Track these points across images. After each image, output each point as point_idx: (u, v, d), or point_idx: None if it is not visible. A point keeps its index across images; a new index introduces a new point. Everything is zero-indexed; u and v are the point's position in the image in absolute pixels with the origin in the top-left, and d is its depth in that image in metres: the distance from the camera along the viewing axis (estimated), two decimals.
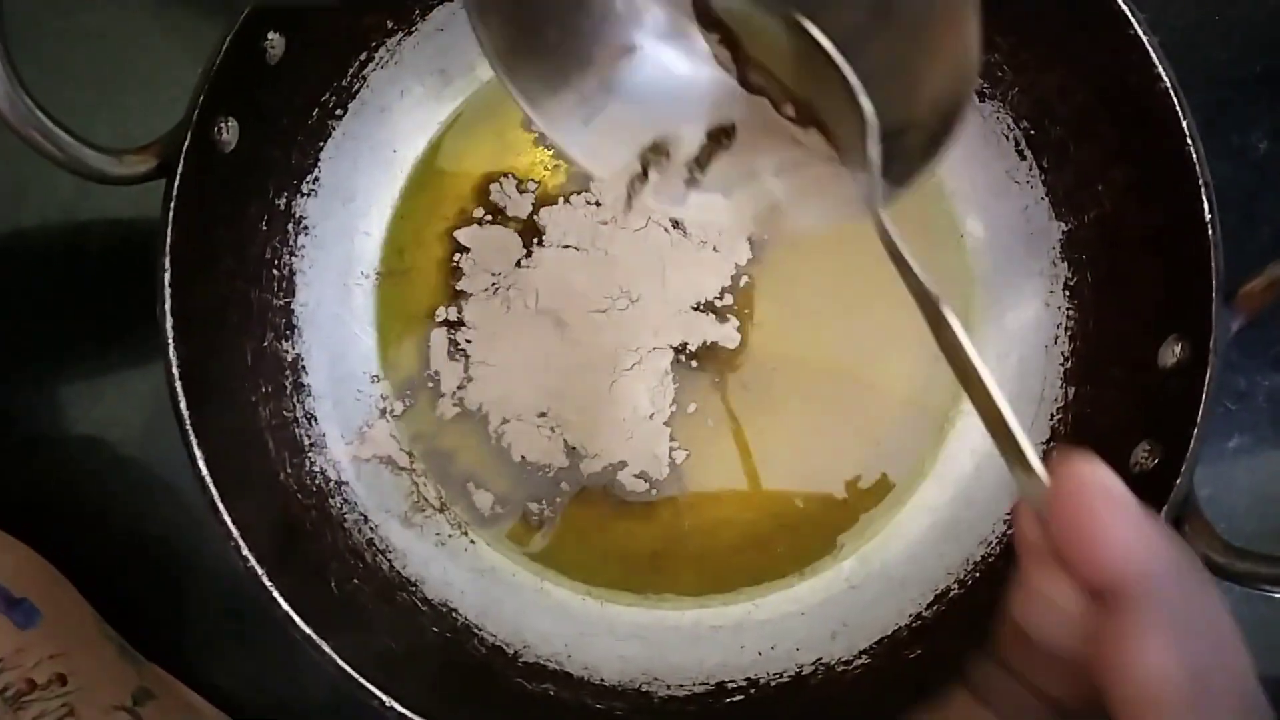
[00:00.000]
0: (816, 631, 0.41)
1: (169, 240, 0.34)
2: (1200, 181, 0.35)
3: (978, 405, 0.25)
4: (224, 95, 0.35)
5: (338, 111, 0.41)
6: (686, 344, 0.42)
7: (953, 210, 0.43)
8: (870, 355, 0.43)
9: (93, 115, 0.46)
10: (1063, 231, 0.41)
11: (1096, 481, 0.21)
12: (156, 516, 0.44)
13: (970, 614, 0.39)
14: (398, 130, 0.43)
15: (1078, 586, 0.21)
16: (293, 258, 0.41)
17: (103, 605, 0.42)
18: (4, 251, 0.47)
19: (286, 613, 0.32)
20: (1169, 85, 0.36)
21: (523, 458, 0.42)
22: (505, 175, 0.43)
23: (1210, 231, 0.35)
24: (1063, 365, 0.41)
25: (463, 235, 0.43)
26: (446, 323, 0.42)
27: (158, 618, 0.43)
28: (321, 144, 0.41)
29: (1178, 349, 0.36)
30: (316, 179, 0.41)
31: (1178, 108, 0.36)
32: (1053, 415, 0.41)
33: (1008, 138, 0.42)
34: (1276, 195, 0.47)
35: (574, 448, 0.42)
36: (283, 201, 0.40)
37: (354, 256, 0.43)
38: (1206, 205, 0.35)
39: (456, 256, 0.43)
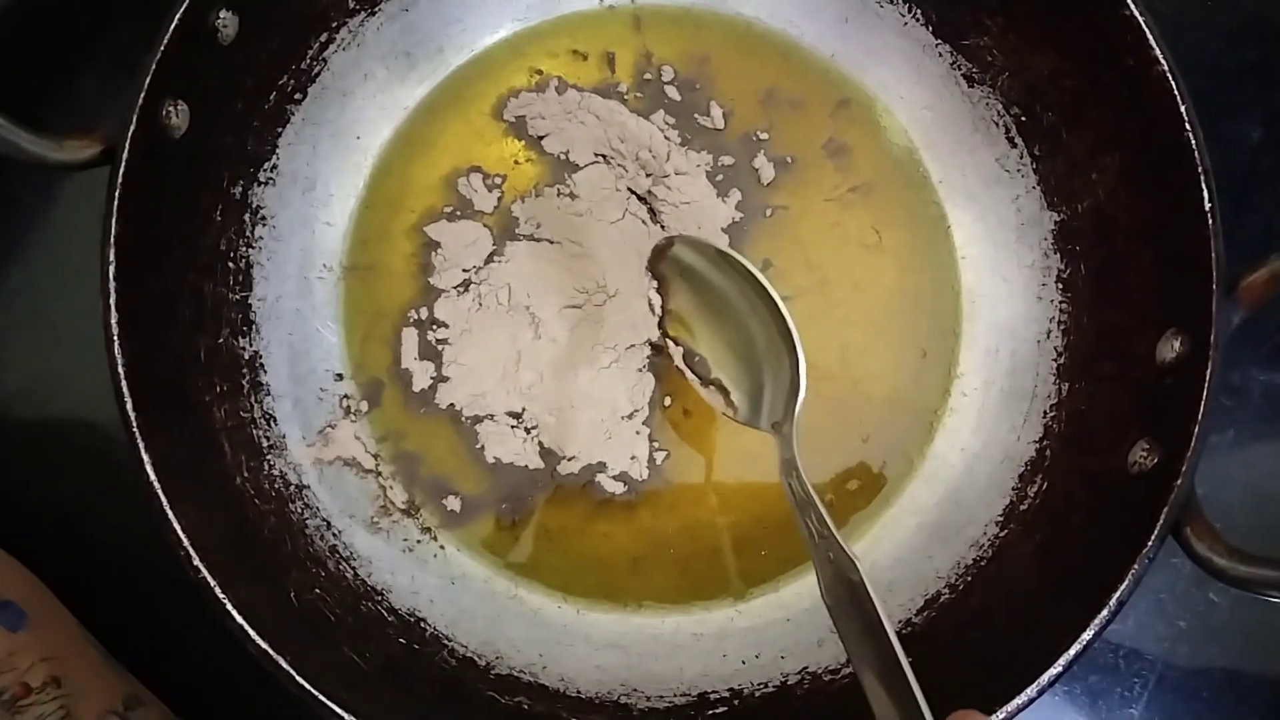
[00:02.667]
0: (803, 638, 0.39)
1: (114, 231, 0.32)
2: (1199, 169, 0.34)
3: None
4: (173, 77, 0.33)
5: (296, 95, 0.39)
6: (666, 339, 0.40)
7: (940, 199, 0.42)
8: (855, 354, 0.41)
9: (49, 99, 0.44)
10: (1055, 222, 0.40)
11: None
12: (120, 514, 0.42)
13: (961, 620, 0.38)
14: (361, 116, 0.41)
15: None
16: (249, 250, 0.39)
17: (77, 612, 0.40)
18: None
19: (241, 626, 0.31)
20: (1166, 68, 0.34)
21: (496, 459, 0.40)
22: (474, 169, 0.41)
23: (1210, 221, 0.33)
24: (1056, 360, 0.39)
25: (432, 230, 0.41)
26: (417, 320, 0.40)
27: (130, 625, 0.41)
28: (280, 130, 0.39)
29: (1176, 344, 0.34)
30: (274, 167, 0.39)
31: (1175, 91, 0.34)
32: (1045, 413, 0.39)
33: (997, 124, 0.40)
34: (1270, 185, 0.46)
35: (549, 449, 0.40)
36: (238, 190, 0.38)
37: (315, 249, 0.41)
38: (1206, 194, 0.34)
39: (427, 252, 0.41)
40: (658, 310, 0.36)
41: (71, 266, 0.43)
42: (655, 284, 0.36)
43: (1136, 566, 0.32)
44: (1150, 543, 0.32)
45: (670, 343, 0.37)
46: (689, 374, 0.37)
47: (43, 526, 0.42)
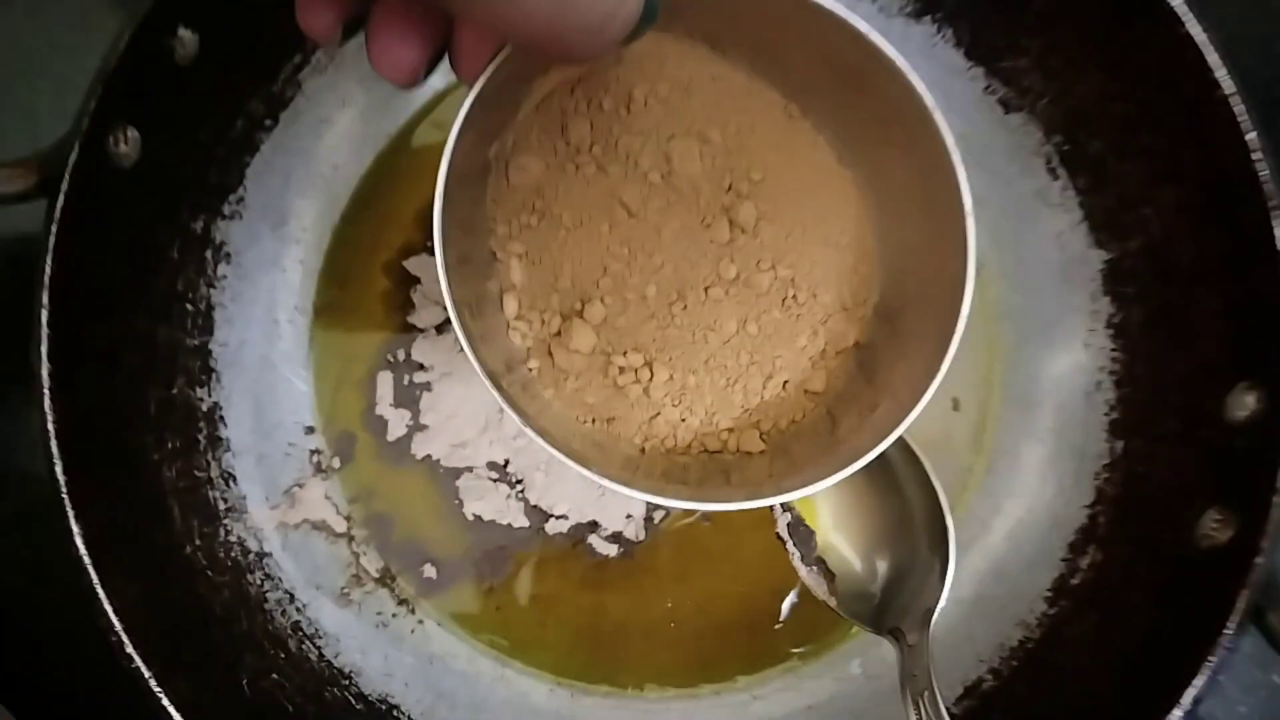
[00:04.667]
0: None
1: (49, 271, 0.28)
2: (1270, 204, 0.30)
3: None
4: (121, 101, 0.30)
5: (266, 122, 0.36)
6: None
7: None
8: None
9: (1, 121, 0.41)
10: (1104, 261, 0.36)
11: None
12: (58, 582, 0.38)
13: (1006, 710, 0.33)
14: (338, 145, 0.38)
15: None
16: (211, 290, 0.35)
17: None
18: None
19: None
20: (1229, 92, 0.31)
21: (477, 516, 0.37)
22: None
23: None
24: (1108, 415, 0.36)
25: (412, 264, 0.37)
26: (393, 363, 0.37)
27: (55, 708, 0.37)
28: (247, 159, 0.36)
29: (1250, 400, 0.31)
30: (241, 199, 0.36)
31: (1240, 118, 0.31)
32: (1097, 474, 0.35)
33: (1037, 154, 0.37)
34: None
35: (536, 506, 0.37)
36: (199, 225, 0.35)
37: (285, 289, 0.37)
38: (1277, 231, 0.30)
39: (405, 288, 0.37)
40: (781, 510, 0.32)
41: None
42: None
43: (1212, 659, 0.28)
44: (1227, 629, 0.28)
45: (778, 506, 0.32)
46: (789, 545, 0.33)
47: None
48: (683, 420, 0.29)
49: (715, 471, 0.29)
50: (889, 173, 0.28)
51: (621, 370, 0.29)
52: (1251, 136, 0.31)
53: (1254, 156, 0.31)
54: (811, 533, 0.32)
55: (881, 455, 0.26)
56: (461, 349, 0.35)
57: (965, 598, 0.36)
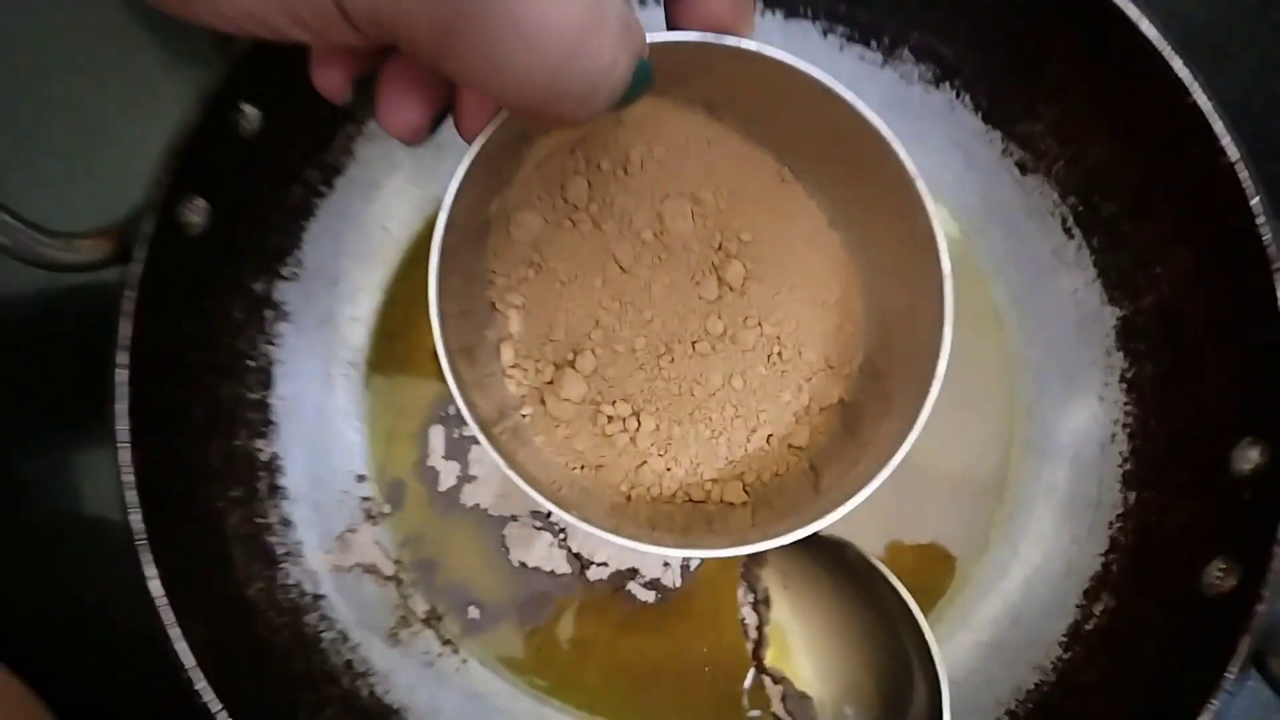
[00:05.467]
0: None
1: (126, 336, 0.31)
2: (1274, 266, 0.32)
3: None
4: (191, 174, 0.32)
5: (321, 188, 0.38)
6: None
7: (992, 293, 0.40)
8: (919, 460, 0.39)
9: (69, 187, 0.44)
10: (1117, 318, 0.37)
11: None
12: (125, 620, 0.40)
13: None
14: (389, 208, 0.40)
15: None
16: (270, 347, 0.37)
17: (62, 713, 0.38)
18: None
19: None
20: (1234, 158, 0.33)
21: (522, 563, 0.38)
22: None
23: None
24: (1121, 467, 0.37)
25: None
26: (444, 417, 0.39)
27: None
28: (304, 223, 0.38)
29: (1254, 454, 0.32)
30: (299, 261, 0.38)
31: (1245, 184, 0.32)
32: (1111, 523, 0.36)
33: (1053, 214, 0.38)
34: None
35: (578, 554, 0.38)
36: (260, 286, 0.37)
37: (339, 345, 0.39)
38: None
39: None
40: (753, 634, 0.32)
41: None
42: (751, 598, 0.33)
43: (1214, 702, 0.29)
44: (1228, 675, 0.29)
45: (768, 679, 0.32)
46: (779, 707, 0.33)
47: (39, 628, 0.40)
48: (668, 469, 0.30)
49: (699, 520, 0.30)
50: (877, 238, 0.30)
51: (610, 419, 0.30)
52: (1256, 201, 0.32)
53: (1258, 220, 0.32)
54: (809, 700, 0.32)
55: (864, 594, 0.26)
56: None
57: (984, 641, 0.37)
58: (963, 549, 0.38)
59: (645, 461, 0.30)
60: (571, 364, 0.30)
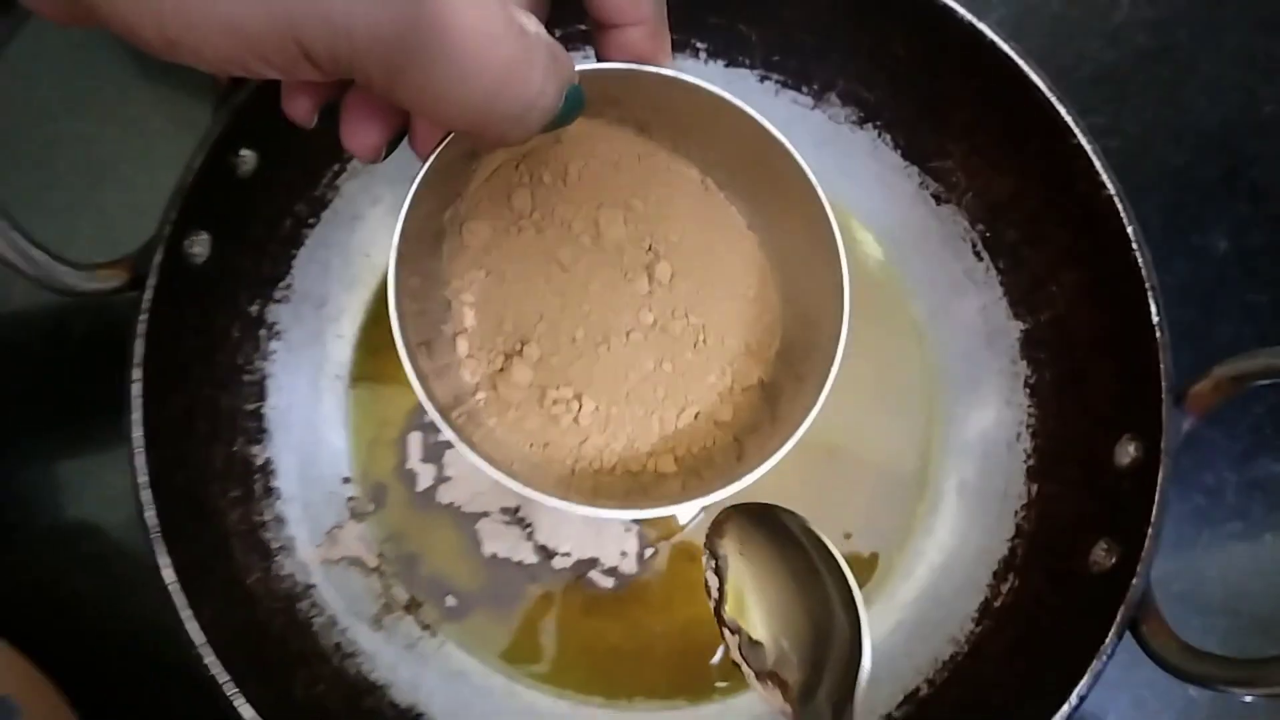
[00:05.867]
0: None
1: (140, 354, 0.35)
2: (1147, 286, 0.36)
3: None
4: (195, 212, 0.36)
5: (310, 221, 0.42)
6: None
7: (912, 309, 0.44)
8: (837, 453, 0.43)
9: (74, 217, 0.47)
10: (1021, 331, 0.42)
11: None
12: (131, 609, 0.44)
13: (940, 713, 0.39)
14: (371, 237, 0.44)
15: None
16: (264, 362, 0.41)
17: (78, 701, 0.41)
18: None
19: None
20: (1113, 192, 0.37)
21: (493, 554, 0.42)
22: None
23: (1158, 335, 0.36)
24: (1025, 462, 0.41)
25: None
26: (422, 425, 0.43)
27: (129, 714, 0.43)
28: (294, 251, 0.42)
29: (1131, 449, 0.36)
30: (289, 286, 0.42)
31: (1123, 214, 0.37)
32: (1017, 512, 0.41)
33: (964, 239, 0.43)
34: (1235, 293, 0.48)
35: (543, 545, 0.42)
36: (255, 309, 0.41)
37: (326, 360, 0.43)
38: (1154, 309, 0.36)
39: None
40: (714, 593, 0.34)
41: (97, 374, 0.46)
42: (713, 563, 0.34)
43: (1096, 663, 0.34)
44: (1108, 639, 0.34)
45: (727, 631, 0.34)
46: (744, 668, 0.34)
47: (54, 623, 0.43)
48: (608, 445, 0.33)
49: (636, 489, 0.33)
50: (789, 239, 0.33)
51: (555, 402, 0.33)
52: (1131, 229, 0.37)
53: (1133, 246, 0.37)
54: (762, 647, 0.34)
55: (805, 557, 0.30)
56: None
57: (907, 620, 0.41)
58: (887, 538, 0.43)
59: (587, 438, 0.33)
60: (519, 353, 0.33)
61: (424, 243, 0.32)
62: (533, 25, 0.24)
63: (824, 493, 0.43)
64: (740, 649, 0.33)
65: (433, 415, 0.29)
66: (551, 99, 0.25)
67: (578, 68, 0.27)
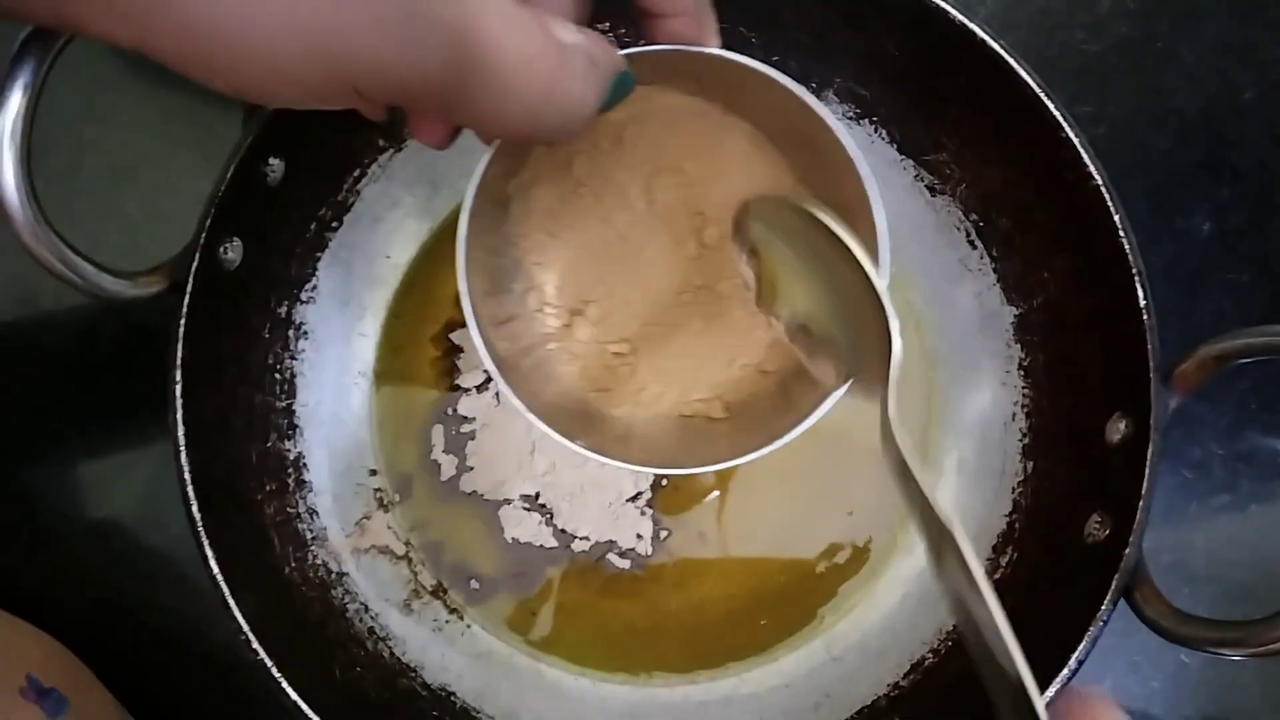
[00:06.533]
0: (800, 703, 0.43)
1: (179, 355, 0.36)
2: (1134, 271, 0.38)
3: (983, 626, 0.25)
4: (228, 219, 0.38)
5: (334, 224, 0.44)
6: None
7: (910, 296, 0.46)
8: (842, 435, 0.45)
9: (101, 225, 0.49)
10: (1014, 315, 0.44)
11: None
12: (165, 603, 0.46)
13: (945, 682, 0.41)
14: (390, 238, 0.46)
15: None
16: (294, 361, 0.43)
17: (117, 691, 0.43)
18: (18, 351, 0.49)
19: (296, 703, 0.34)
20: (1100, 182, 0.39)
21: (515, 539, 0.44)
22: None
23: (1145, 317, 0.37)
24: (1021, 441, 0.43)
25: (457, 336, 0.45)
26: (443, 416, 0.45)
27: (169, 703, 0.45)
28: (319, 254, 0.44)
29: (1121, 426, 0.38)
30: (315, 287, 0.44)
31: (1109, 202, 0.38)
32: (1014, 489, 0.43)
33: (959, 229, 0.45)
34: (1219, 275, 0.50)
35: (563, 530, 0.44)
36: (284, 310, 0.43)
37: (351, 358, 0.45)
38: (1141, 292, 0.38)
39: (451, 356, 0.45)
40: (753, 284, 0.34)
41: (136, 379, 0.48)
42: (745, 256, 0.34)
43: (1092, 629, 0.35)
44: (1103, 607, 0.36)
45: (773, 320, 0.34)
46: (796, 350, 0.34)
47: (96, 617, 0.45)
48: (662, 393, 0.36)
49: (689, 433, 0.36)
50: (832, 196, 0.33)
51: (615, 355, 0.36)
52: (1119, 216, 0.38)
53: (1120, 233, 0.38)
54: (806, 326, 0.34)
55: (827, 237, 0.30)
56: (499, 405, 0.43)
57: (911, 594, 0.43)
58: (889, 517, 0.44)
59: (644, 388, 0.36)
60: (582, 313, 0.35)
61: (492, 209, 0.34)
62: (570, 35, 0.25)
63: (828, 474, 0.45)
64: (788, 334, 0.34)
65: (490, 367, 0.31)
66: (593, 101, 0.26)
67: (625, 52, 0.28)
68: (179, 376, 0.36)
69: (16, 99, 0.32)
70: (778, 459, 0.44)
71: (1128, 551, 0.36)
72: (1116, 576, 0.36)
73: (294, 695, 0.34)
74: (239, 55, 0.22)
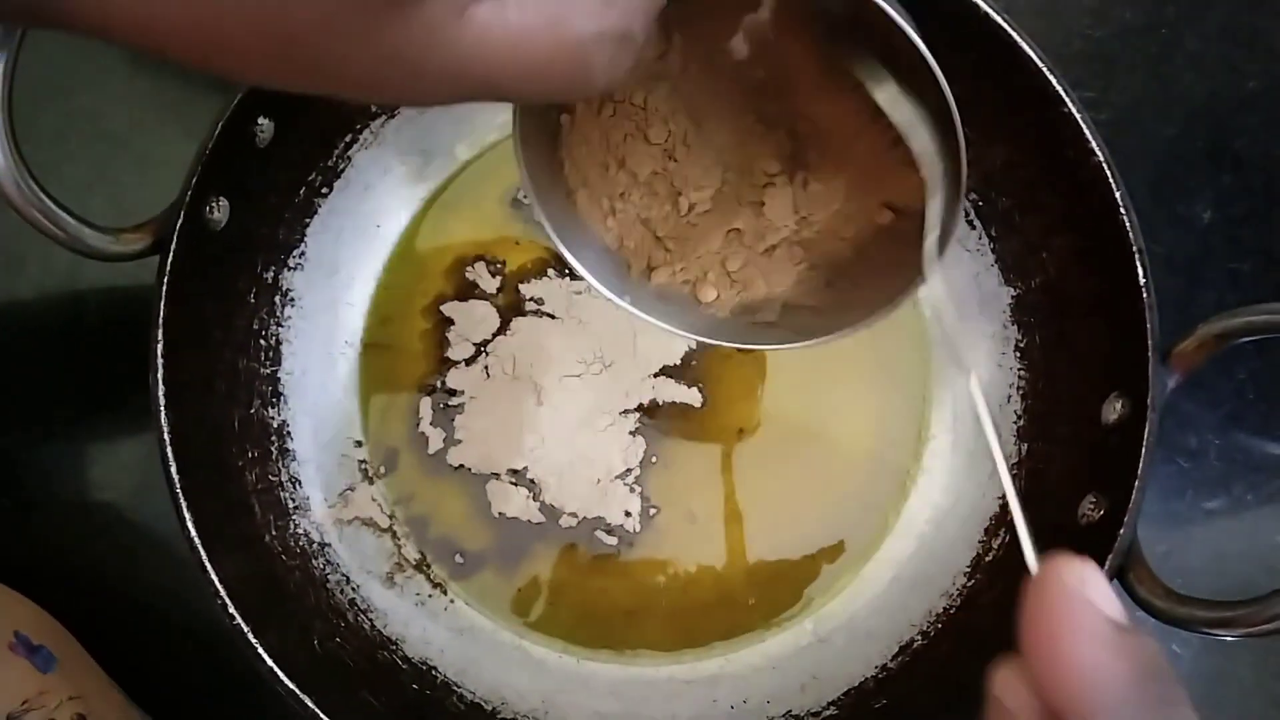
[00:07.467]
0: (787, 684, 0.42)
1: (161, 314, 0.36)
2: (1135, 249, 0.37)
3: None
4: (215, 177, 0.37)
5: (324, 190, 0.43)
6: (656, 405, 0.44)
7: None
8: (835, 418, 0.45)
9: (89, 190, 0.49)
10: (1012, 296, 0.43)
11: (1074, 592, 0.21)
12: (146, 575, 0.45)
13: (933, 664, 0.41)
14: (381, 206, 0.45)
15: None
16: (279, 328, 0.43)
17: (98, 659, 0.43)
18: (2, 320, 0.49)
19: (271, 669, 0.34)
20: (1102, 159, 0.38)
21: (501, 514, 0.44)
22: (479, 255, 0.45)
23: (1145, 295, 0.37)
24: (1016, 423, 0.43)
25: (447, 308, 0.45)
26: (432, 389, 0.44)
27: (150, 673, 0.44)
28: (308, 220, 0.43)
29: (1119, 406, 0.38)
30: (303, 253, 0.43)
31: (1111, 180, 0.38)
32: (1009, 471, 0.42)
33: None
34: (1219, 261, 0.50)
35: (550, 505, 0.44)
36: (270, 275, 0.42)
37: (338, 327, 0.45)
38: (1141, 271, 0.37)
39: (441, 328, 0.45)
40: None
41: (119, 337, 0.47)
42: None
43: None
44: None
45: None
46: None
47: (79, 588, 0.45)
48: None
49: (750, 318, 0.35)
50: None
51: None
52: (1120, 193, 0.38)
53: (1121, 210, 0.38)
54: None
55: None
56: (489, 379, 0.43)
57: (902, 575, 0.43)
58: (882, 497, 0.44)
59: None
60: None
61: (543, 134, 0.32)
62: (592, 24, 0.22)
63: (824, 454, 0.44)
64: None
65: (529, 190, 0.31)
66: (622, 69, 0.23)
67: None
68: (160, 335, 0.36)
69: None
70: (770, 444, 0.44)
71: (1122, 532, 0.35)
72: (1110, 556, 0.35)
73: (270, 661, 0.34)
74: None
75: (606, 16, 0.21)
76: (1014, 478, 0.42)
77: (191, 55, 0.19)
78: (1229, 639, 0.38)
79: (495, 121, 0.46)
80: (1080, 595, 0.21)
